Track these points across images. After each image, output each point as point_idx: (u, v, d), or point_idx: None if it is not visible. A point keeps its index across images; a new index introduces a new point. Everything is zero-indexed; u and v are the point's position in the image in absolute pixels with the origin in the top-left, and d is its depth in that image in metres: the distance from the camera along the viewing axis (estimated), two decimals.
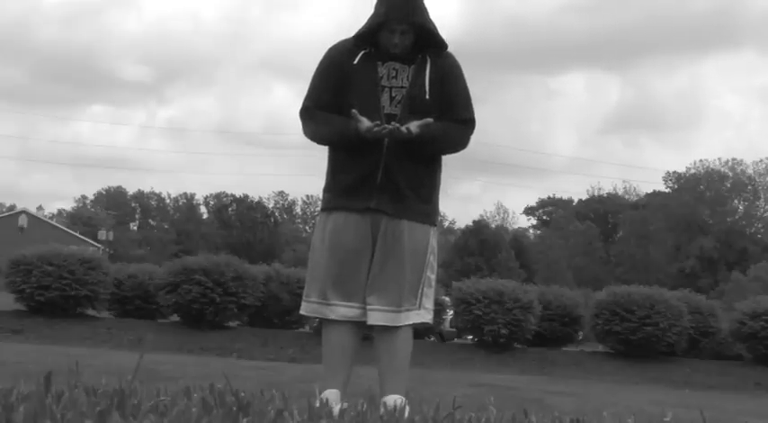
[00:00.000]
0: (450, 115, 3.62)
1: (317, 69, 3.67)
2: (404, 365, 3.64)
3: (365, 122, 3.45)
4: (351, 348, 3.65)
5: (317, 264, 3.67)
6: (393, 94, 3.57)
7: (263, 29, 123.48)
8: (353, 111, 3.47)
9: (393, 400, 3.35)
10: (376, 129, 3.43)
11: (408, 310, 3.59)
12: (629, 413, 4.29)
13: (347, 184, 3.60)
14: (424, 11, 3.58)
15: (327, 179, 3.72)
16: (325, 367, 3.66)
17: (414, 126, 3.46)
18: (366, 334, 3.70)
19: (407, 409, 3.16)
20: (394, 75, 3.58)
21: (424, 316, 3.67)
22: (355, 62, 3.56)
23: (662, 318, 15.23)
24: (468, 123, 3.68)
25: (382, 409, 3.06)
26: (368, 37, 3.57)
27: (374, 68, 3.57)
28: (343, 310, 3.59)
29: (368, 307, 3.57)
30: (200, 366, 9.38)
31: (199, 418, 2.17)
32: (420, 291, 3.64)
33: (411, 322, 3.61)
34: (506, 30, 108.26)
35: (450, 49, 3.69)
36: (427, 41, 3.61)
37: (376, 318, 3.56)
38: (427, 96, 3.57)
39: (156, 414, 2.19)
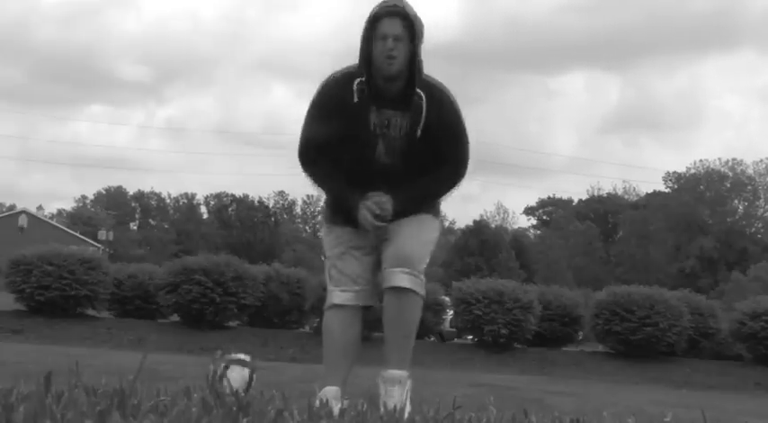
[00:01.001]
0: (443, 156, 3.65)
1: (313, 107, 3.65)
2: (411, 334, 3.67)
3: (366, 215, 3.55)
4: (351, 344, 3.69)
5: (330, 265, 3.77)
6: (387, 142, 3.59)
7: (262, 29, 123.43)
8: (369, 204, 3.55)
9: (398, 375, 3.49)
10: (378, 226, 3.56)
11: (418, 275, 3.62)
12: (629, 413, 4.30)
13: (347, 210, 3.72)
14: (418, 16, 3.55)
15: (328, 199, 3.85)
16: (325, 363, 3.69)
17: (394, 205, 3.56)
18: (365, 334, 3.73)
19: (409, 383, 3.39)
20: (386, 123, 3.58)
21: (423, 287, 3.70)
22: (351, 109, 3.54)
23: (662, 318, 15.24)
24: (459, 164, 3.71)
25: (382, 388, 3.15)
26: (365, 62, 3.52)
27: (368, 116, 3.56)
28: (346, 294, 3.67)
29: (385, 270, 3.60)
30: (201, 366, 9.36)
31: (199, 418, 2.17)
32: (423, 264, 3.69)
33: (420, 290, 3.63)
34: (506, 29, 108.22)
35: (442, 76, 3.71)
36: (416, 78, 3.55)
37: (393, 279, 3.57)
38: (420, 143, 3.58)
39: (156, 414, 2.19)
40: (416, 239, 3.62)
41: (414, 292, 3.56)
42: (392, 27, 3.46)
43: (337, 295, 3.68)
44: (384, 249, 3.63)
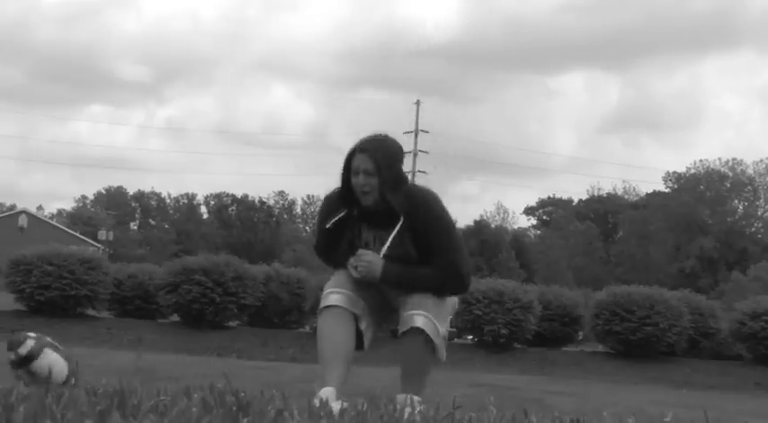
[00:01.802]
0: (434, 262, 3.78)
1: (318, 217, 4.05)
2: (424, 372, 3.86)
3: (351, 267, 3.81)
4: (343, 344, 3.75)
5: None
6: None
7: (262, 29, 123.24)
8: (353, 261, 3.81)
9: (408, 399, 3.53)
10: (358, 274, 3.79)
11: (435, 322, 3.75)
12: (629, 413, 4.30)
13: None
14: (388, 150, 3.75)
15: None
16: (321, 365, 3.74)
17: (384, 268, 3.76)
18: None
19: (419, 405, 3.39)
20: (381, 241, 3.79)
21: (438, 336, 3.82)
22: (346, 226, 3.84)
23: (662, 318, 15.24)
24: (447, 269, 3.80)
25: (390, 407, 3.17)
26: (346, 192, 3.78)
27: (361, 235, 3.85)
28: (335, 296, 3.78)
29: (403, 314, 3.75)
30: (201, 366, 9.38)
31: (199, 418, 2.17)
32: (441, 319, 3.82)
33: (435, 337, 3.77)
34: (506, 29, 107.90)
35: (424, 184, 3.87)
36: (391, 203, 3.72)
37: (409, 321, 3.72)
38: (413, 253, 3.76)
39: (156, 414, 2.19)
40: (434, 299, 3.77)
41: (427, 335, 3.70)
42: (363, 162, 3.72)
43: (326, 297, 3.80)
44: (401, 306, 3.78)
